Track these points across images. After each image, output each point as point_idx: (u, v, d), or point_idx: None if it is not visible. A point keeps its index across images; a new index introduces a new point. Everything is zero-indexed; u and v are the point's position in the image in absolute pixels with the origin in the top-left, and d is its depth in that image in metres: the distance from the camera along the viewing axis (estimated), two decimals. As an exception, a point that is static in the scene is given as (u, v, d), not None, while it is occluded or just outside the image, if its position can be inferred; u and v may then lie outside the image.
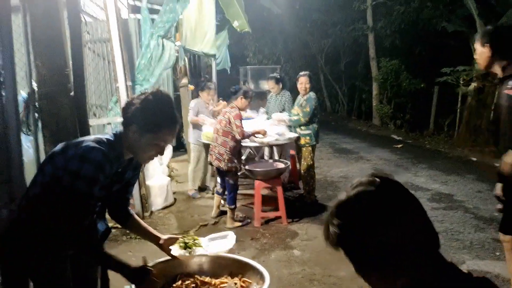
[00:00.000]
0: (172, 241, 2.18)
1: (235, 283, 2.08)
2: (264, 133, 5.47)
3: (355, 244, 1.05)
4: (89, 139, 1.86)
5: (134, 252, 4.45)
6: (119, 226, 2.26)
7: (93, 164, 1.74)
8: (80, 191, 1.73)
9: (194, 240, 2.22)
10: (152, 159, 1.96)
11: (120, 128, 1.94)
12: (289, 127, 6.18)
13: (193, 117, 6.31)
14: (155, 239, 2.17)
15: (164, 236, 2.17)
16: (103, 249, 2.10)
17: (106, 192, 1.94)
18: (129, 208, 2.23)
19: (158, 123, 1.86)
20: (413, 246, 1.00)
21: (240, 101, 5.18)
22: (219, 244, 2.29)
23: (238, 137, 5.01)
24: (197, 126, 6.35)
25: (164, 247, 2.16)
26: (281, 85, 6.77)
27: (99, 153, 1.77)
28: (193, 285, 2.08)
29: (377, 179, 1.06)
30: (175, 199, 6.23)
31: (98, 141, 1.83)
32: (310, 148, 5.89)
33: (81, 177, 1.73)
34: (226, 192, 5.34)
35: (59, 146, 1.87)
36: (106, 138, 1.88)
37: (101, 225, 2.11)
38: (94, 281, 2.22)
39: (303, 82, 5.79)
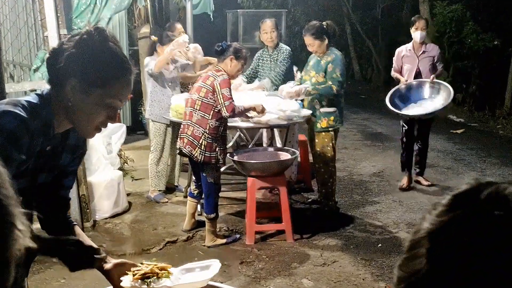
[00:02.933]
0: (125, 268, 2.17)
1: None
2: (261, 111, 5.46)
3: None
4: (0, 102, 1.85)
5: (69, 280, 4.48)
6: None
7: (2, 133, 1.74)
8: None
9: (159, 269, 2.19)
10: (100, 129, 1.95)
11: (47, 88, 1.94)
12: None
13: (153, 64, 6.16)
14: (100, 263, 2.16)
15: (113, 260, 2.17)
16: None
17: (27, 183, 1.94)
18: (69, 215, 2.23)
19: (108, 72, 1.87)
20: None
21: (229, 63, 5.17)
22: (197, 276, 2.28)
23: (225, 113, 5.01)
24: (159, 96, 6.33)
25: (112, 275, 2.15)
26: (279, 35, 6.78)
27: (13, 119, 1.76)
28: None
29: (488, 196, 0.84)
30: (130, 203, 6.24)
31: (14, 104, 1.82)
32: (332, 133, 5.92)
33: None
34: (203, 195, 5.37)
35: None
36: (27, 101, 1.87)
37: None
38: None
39: (309, 44, 5.87)
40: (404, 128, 6.94)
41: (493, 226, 0.77)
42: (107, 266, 2.14)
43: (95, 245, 2.18)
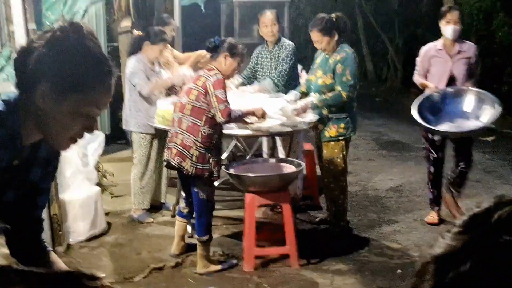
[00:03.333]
0: None
1: None
2: (261, 115, 5.46)
3: None
4: None
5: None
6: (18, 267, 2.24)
7: None
8: None
9: None
10: (76, 141, 1.94)
11: (14, 93, 1.93)
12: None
13: (148, 87, 6.22)
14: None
15: None
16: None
17: None
18: (43, 239, 2.22)
19: (85, 76, 1.86)
20: None
21: (223, 62, 5.18)
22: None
23: (220, 118, 5.01)
24: (144, 104, 6.34)
25: None
26: (281, 29, 6.78)
27: None
28: None
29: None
30: (109, 224, 6.24)
31: None
32: (343, 143, 5.93)
33: None
34: (194, 214, 5.36)
35: None
36: None
37: None
38: None
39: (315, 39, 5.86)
40: (432, 156, 6.29)
41: (500, 253, 0.75)
42: None
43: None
